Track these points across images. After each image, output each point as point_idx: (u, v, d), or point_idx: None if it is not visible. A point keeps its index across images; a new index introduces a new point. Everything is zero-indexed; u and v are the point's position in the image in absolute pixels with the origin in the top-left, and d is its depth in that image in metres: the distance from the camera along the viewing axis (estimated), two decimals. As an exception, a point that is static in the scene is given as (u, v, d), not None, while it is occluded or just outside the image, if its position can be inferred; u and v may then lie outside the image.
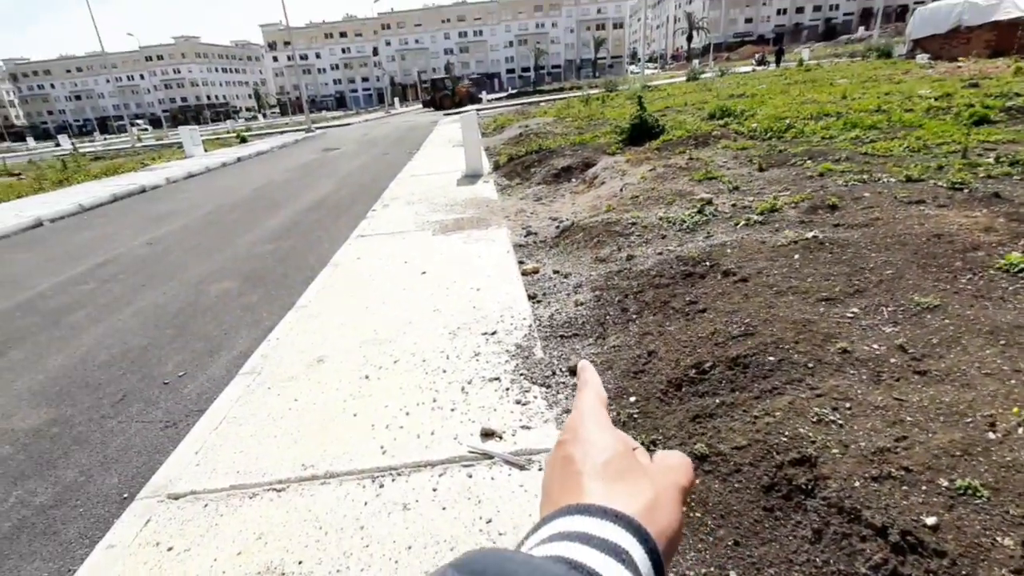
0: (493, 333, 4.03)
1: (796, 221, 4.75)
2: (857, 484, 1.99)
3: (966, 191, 4.75)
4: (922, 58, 21.56)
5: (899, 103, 10.16)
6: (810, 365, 2.68)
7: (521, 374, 3.46)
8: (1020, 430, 1.93)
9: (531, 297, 4.67)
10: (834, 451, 2.15)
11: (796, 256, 3.88)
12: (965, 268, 3.22)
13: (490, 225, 6.95)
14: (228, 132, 41.49)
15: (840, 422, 2.28)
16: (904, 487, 1.91)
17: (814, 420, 2.34)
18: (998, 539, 1.64)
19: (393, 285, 5.18)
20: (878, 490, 1.94)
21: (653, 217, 5.76)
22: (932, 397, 2.25)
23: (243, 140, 30.54)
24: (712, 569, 2.01)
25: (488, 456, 2.73)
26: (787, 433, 2.32)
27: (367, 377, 3.60)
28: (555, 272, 5.20)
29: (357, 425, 3.09)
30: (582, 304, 4.40)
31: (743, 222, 4.98)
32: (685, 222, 5.38)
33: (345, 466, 2.75)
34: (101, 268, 7.41)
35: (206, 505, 2.58)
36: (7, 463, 3.33)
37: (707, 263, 4.20)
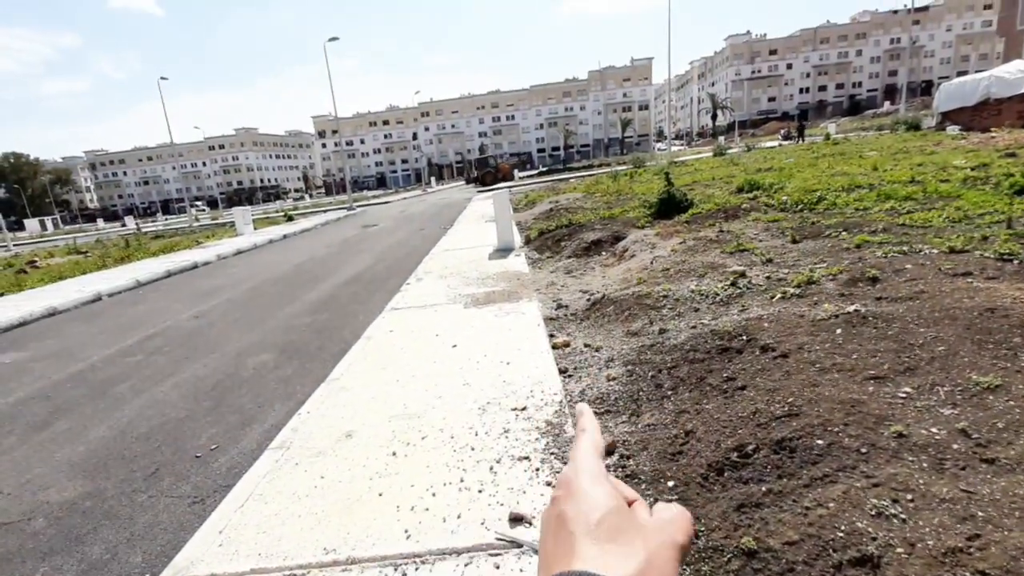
0: (523, 409, 3.94)
1: (835, 294, 4.61)
2: (929, 590, 1.78)
3: (1016, 262, 4.55)
4: (952, 129, 21.57)
5: (933, 174, 10.05)
6: (863, 450, 2.49)
7: (552, 453, 3.33)
8: (1115, 531, 1.71)
9: (562, 371, 4.59)
10: (898, 550, 1.94)
11: (838, 331, 3.73)
12: (1022, 345, 3.02)
13: (521, 298, 7.00)
14: (277, 211, 44.23)
15: (902, 516, 2.08)
16: (985, 596, 1.69)
17: (873, 513, 2.14)
18: (1107, 666, 1.41)
19: (424, 358, 5.20)
20: (954, 599, 1.72)
21: (685, 290, 5.70)
22: (1004, 489, 2.04)
23: (290, 218, 32.42)
24: None
25: (517, 544, 2.58)
26: (843, 528, 2.12)
27: (394, 454, 3.53)
28: (586, 346, 5.14)
29: (382, 506, 2.99)
30: (614, 379, 4.29)
31: (779, 295, 4.87)
32: (719, 295, 5.30)
33: (368, 551, 2.64)
34: (149, 340, 7.74)
35: (225, 590, 2.50)
36: (38, 537, 3.34)
37: (743, 337, 4.07)
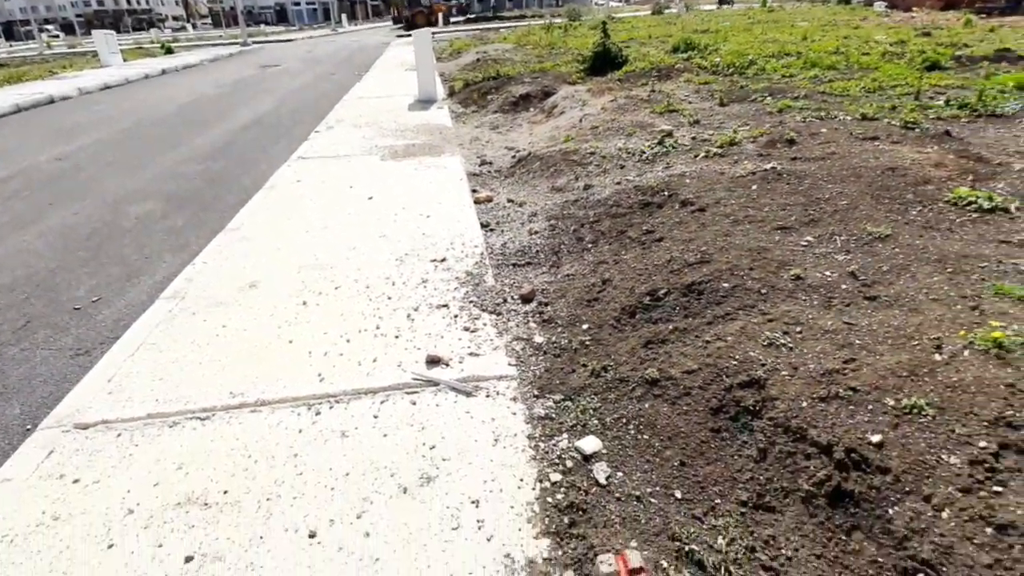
0: (443, 260, 3.82)
1: (755, 154, 4.67)
2: (804, 404, 1.99)
3: (918, 130, 4.78)
4: (879, 6, 21.56)
5: (857, 47, 10.12)
6: (763, 291, 2.64)
7: (471, 301, 3.30)
8: (965, 352, 1.95)
9: (484, 225, 4.45)
10: (783, 373, 2.13)
11: (754, 187, 3.81)
12: (916, 200, 3.23)
13: (443, 152, 6.55)
14: (152, 42, 37.28)
15: (790, 345, 2.26)
16: (851, 407, 1.91)
17: (765, 344, 2.31)
18: (943, 457, 1.66)
19: (336, 210, 4.82)
20: (824, 410, 1.94)
21: (612, 148, 5.55)
22: (881, 321, 2.25)
23: (169, 51, 27.54)
24: (657, 488, 2.00)
25: (433, 383, 2.59)
26: (737, 357, 2.29)
27: (305, 303, 3.35)
28: (509, 201, 4.98)
29: (293, 352, 2.87)
30: (536, 233, 4.23)
31: (703, 154, 4.86)
32: (645, 153, 5.22)
33: (278, 393, 2.55)
34: (1, 184, 6.57)
35: (119, 435, 2.35)
36: None
37: (665, 193, 4.08)
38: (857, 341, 2.17)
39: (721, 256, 2.98)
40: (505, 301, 3.34)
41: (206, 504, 1.98)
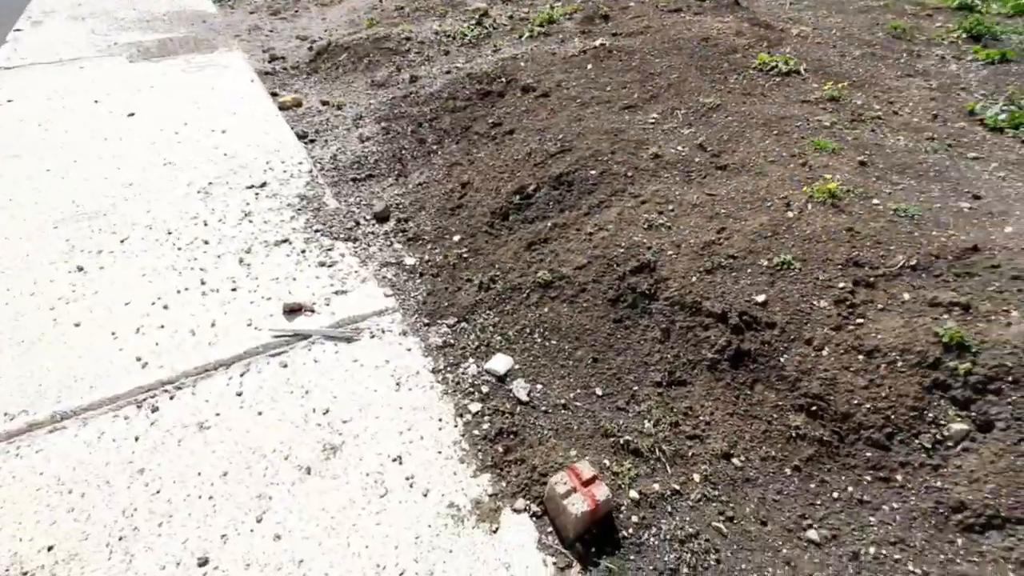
0: (263, 185, 3.12)
1: (577, 32, 4.54)
2: (694, 279, 2.08)
3: (711, 1, 5.09)
4: None
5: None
6: (629, 174, 2.64)
7: (316, 230, 2.78)
8: (809, 206, 2.19)
9: (301, 136, 3.72)
10: (668, 253, 2.19)
11: (589, 66, 3.72)
12: (731, 69, 3.47)
13: (216, 48, 5.20)
14: None
15: (667, 225, 2.32)
16: (733, 273, 2.04)
17: (645, 227, 2.34)
18: (814, 303, 1.88)
19: (85, 136, 3.57)
20: (712, 281, 2.05)
21: (428, 31, 4.95)
22: (736, 188, 2.41)
23: None
24: (579, 391, 1.98)
25: (303, 336, 2.17)
26: (622, 244, 2.29)
27: (82, 269, 2.49)
28: (324, 104, 4.21)
29: (86, 337, 2.14)
30: (369, 139, 3.67)
31: (527, 34, 4.59)
32: (467, 36, 4.75)
33: (84, 398, 1.90)
34: None
35: None
36: None
37: (503, 79, 3.78)
38: (722, 211, 2.31)
39: (580, 143, 2.89)
40: (357, 224, 2.88)
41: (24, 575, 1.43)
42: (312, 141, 3.72)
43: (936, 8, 4.61)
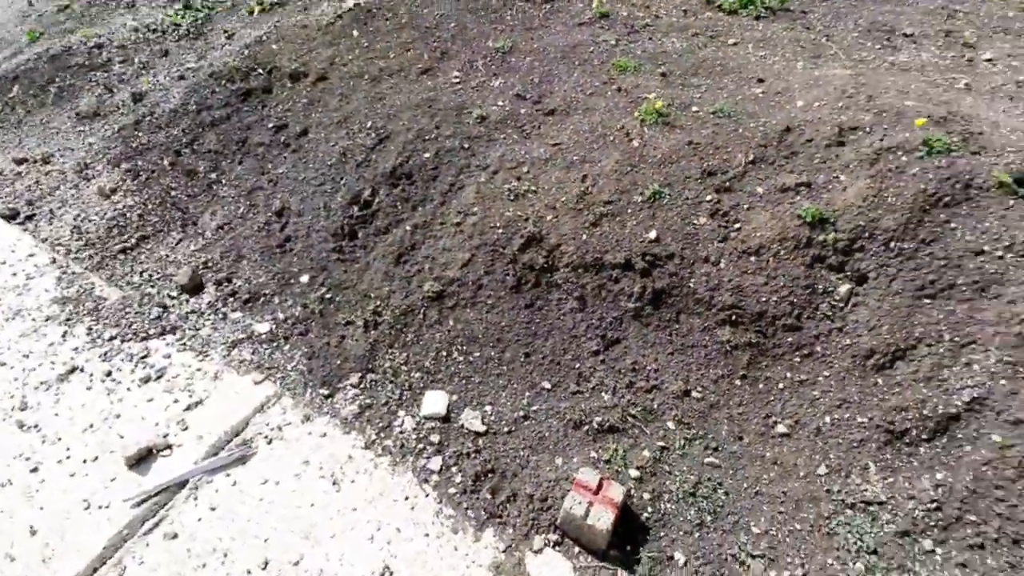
0: (-13, 307, 2.20)
1: (316, -7, 3.95)
2: (584, 236, 2.04)
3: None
4: None
5: None
6: (465, 145, 2.44)
7: (110, 337, 2.08)
8: (646, 130, 2.26)
9: (10, 217, 2.69)
10: (548, 218, 2.11)
11: (355, 32, 3.26)
12: (501, 5, 3.35)
13: None
14: None
15: (532, 189, 2.22)
16: (617, 218, 2.05)
17: (511, 198, 2.20)
18: (694, 221, 1.98)
19: None
20: (602, 232, 2.04)
21: (123, 31, 3.85)
22: (574, 130, 2.39)
23: None
24: (528, 393, 1.86)
25: (179, 484, 1.63)
26: (498, 223, 2.14)
27: None
28: (20, 162, 3.06)
29: None
30: (115, 191, 2.80)
31: (255, 7, 3.84)
32: (180, 25, 3.80)
33: None
34: None
35: None
36: None
37: (260, 71, 3.13)
38: (574, 157, 2.27)
39: (396, 125, 2.56)
40: (165, 308, 2.22)
41: None
42: (31, 218, 2.71)
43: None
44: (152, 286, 2.34)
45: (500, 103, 2.62)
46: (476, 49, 2.98)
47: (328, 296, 2.20)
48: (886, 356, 1.67)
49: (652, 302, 1.92)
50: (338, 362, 2.00)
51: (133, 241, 2.58)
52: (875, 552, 1.45)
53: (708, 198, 2.02)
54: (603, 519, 1.44)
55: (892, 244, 1.77)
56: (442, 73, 2.85)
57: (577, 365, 1.90)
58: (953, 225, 1.74)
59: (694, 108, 2.35)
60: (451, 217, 2.23)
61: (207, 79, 3.17)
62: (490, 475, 1.67)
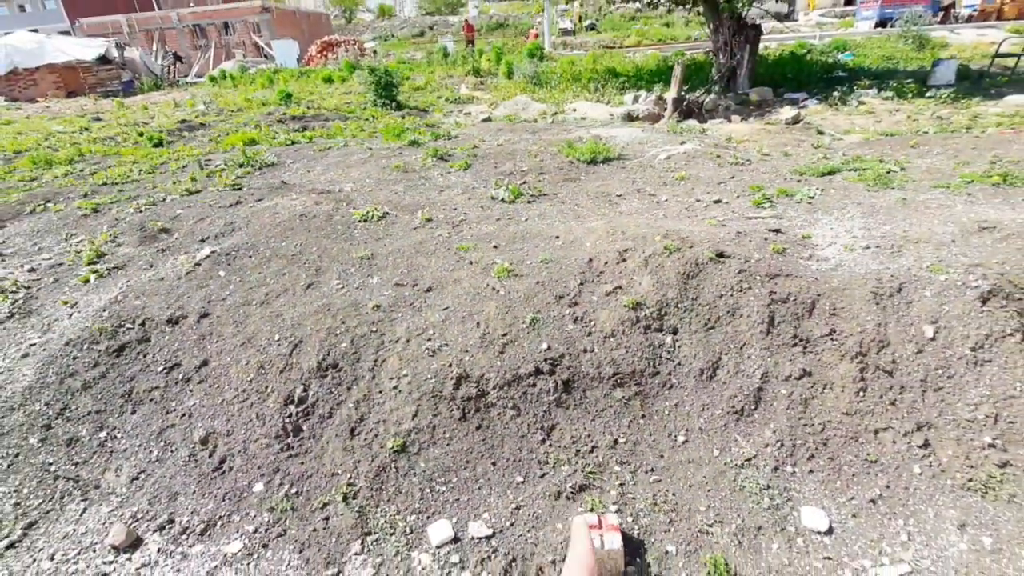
0: None
1: (141, 253, 4.21)
2: (499, 364, 2.67)
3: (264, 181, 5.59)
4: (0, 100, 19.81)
5: (48, 141, 9.52)
6: (374, 329, 2.95)
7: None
8: (504, 282, 3.12)
9: None
10: (465, 359, 2.70)
11: (221, 274, 3.62)
12: (340, 225, 4.13)
13: None
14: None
15: (444, 343, 2.81)
16: (516, 343, 2.75)
17: (430, 354, 2.75)
18: (566, 328, 2.80)
19: None
20: (509, 356, 2.70)
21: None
22: (454, 295, 3.12)
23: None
24: (505, 498, 2.26)
25: None
26: (429, 375, 2.64)
27: None
28: None
29: None
30: (-31, 491, 2.44)
31: (89, 276, 3.90)
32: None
33: None
34: None
35: None
36: None
37: (130, 326, 3.21)
38: (464, 314, 2.98)
39: (304, 330, 2.95)
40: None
41: None
42: None
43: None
44: (76, 563, 2.11)
45: (386, 292, 3.26)
46: (344, 261, 3.64)
47: (294, 491, 2.32)
48: (709, 370, 2.61)
49: (564, 390, 2.60)
50: (333, 540, 2.12)
51: (18, 533, 2.28)
52: (761, 485, 2.20)
53: (567, 312, 2.90)
54: (614, 541, 1.90)
55: (679, 305, 2.84)
56: (324, 284, 3.40)
57: (534, 455, 2.40)
58: (701, 285, 2.91)
59: (527, 262, 3.34)
60: (387, 384, 2.66)
61: (64, 347, 3.11)
62: (514, 562, 1.98)
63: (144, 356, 3.04)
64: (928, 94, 8.79)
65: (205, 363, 2.93)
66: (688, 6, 10.73)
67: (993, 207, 3.66)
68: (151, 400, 2.81)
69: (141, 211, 5.15)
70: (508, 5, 43.10)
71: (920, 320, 2.59)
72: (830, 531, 2.07)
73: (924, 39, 13.77)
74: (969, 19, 21.31)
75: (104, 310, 3.36)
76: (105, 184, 6.36)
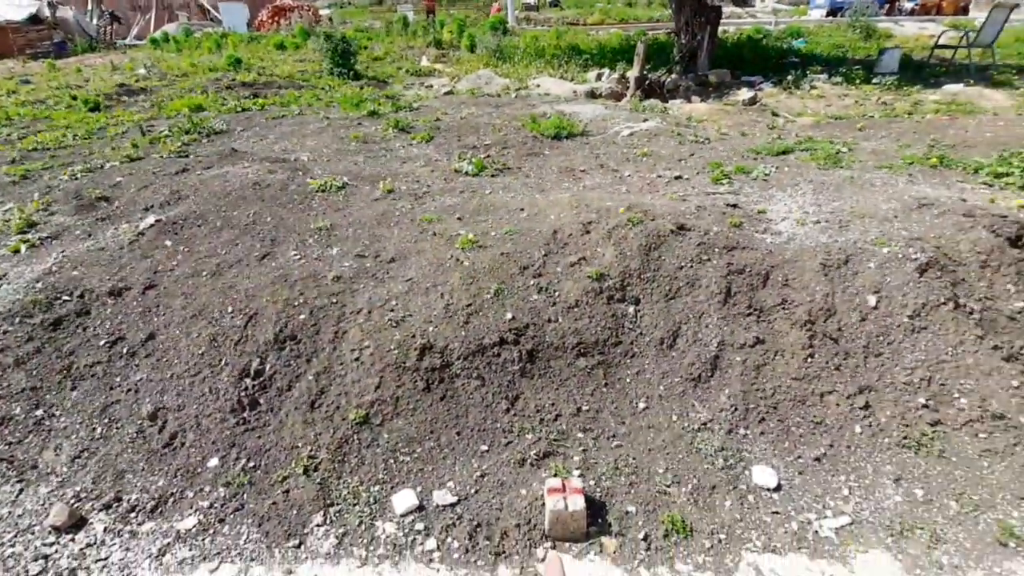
0: None
1: (79, 221, 3.94)
2: (463, 334, 2.65)
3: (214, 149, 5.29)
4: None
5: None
6: (334, 301, 2.87)
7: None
8: (469, 254, 3.08)
9: None
10: (430, 330, 2.67)
11: (168, 243, 3.43)
12: (297, 194, 3.98)
13: None
14: None
15: (407, 314, 2.76)
16: (480, 314, 2.74)
17: (393, 325, 2.70)
18: (530, 298, 2.80)
19: None
20: (474, 327, 2.68)
21: None
22: (418, 266, 3.07)
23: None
24: (469, 466, 2.27)
25: None
26: (392, 346, 2.60)
27: None
28: None
29: None
30: None
31: (20, 245, 3.62)
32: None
33: None
34: None
35: None
36: None
37: (67, 298, 3.01)
38: (428, 285, 2.93)
39: (260, 302, 2.84)
40: (47, 557, 1.94)
41: None
42: None
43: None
44: (12, 546, 1.99)
45: (346, 263, 3.17)
46: (301, 232, 3.51)
47: (251, 465, 2.26)
48: (669, 338, 2.68)
49: (529, 360, 2.61)
50: (294, 512, 2.08)
51: (-54, 516, 2.13)
52: (716, 447, 2.29)
53: (531, 283, 2.90)
54: (577, 503, 1.94)
55: (641, 276, 2.89)
56: (280, 255, 3.27)
57: (498, 424, 2.41)
58: (663, 257, 2.96)
59: (492, 234, 3.31)
60: (348, 356, 2.60)
61: (-11, 321, 2.88)
62: (479, 528, 2.00)
63: (84, 330, 2.87)
64: (874, 81, 9.13)
65: (152, 336, 2.79)
66: (651, -15, 10.67)
67: (931, 186, 3.87)
68: (93, 376, 2.66)
69: (77, 178, 4.81)
70: (470, -23, 41.91)
71: (864, 290, 2.73)
72: (778, 488, 2.18)
73: (871, 29, 14.28)
74: (912, 12, 22.24)
75: (38, 281, 3.13)
76: (36, 149, 5.91)
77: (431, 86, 10.27)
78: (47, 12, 20.95)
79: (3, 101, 8.86)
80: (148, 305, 2.96)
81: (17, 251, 3.59)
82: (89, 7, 23.61)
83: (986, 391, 2.43)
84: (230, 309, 2.83)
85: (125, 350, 2.75)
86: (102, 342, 2.79)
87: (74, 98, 8.68)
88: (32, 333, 2.84)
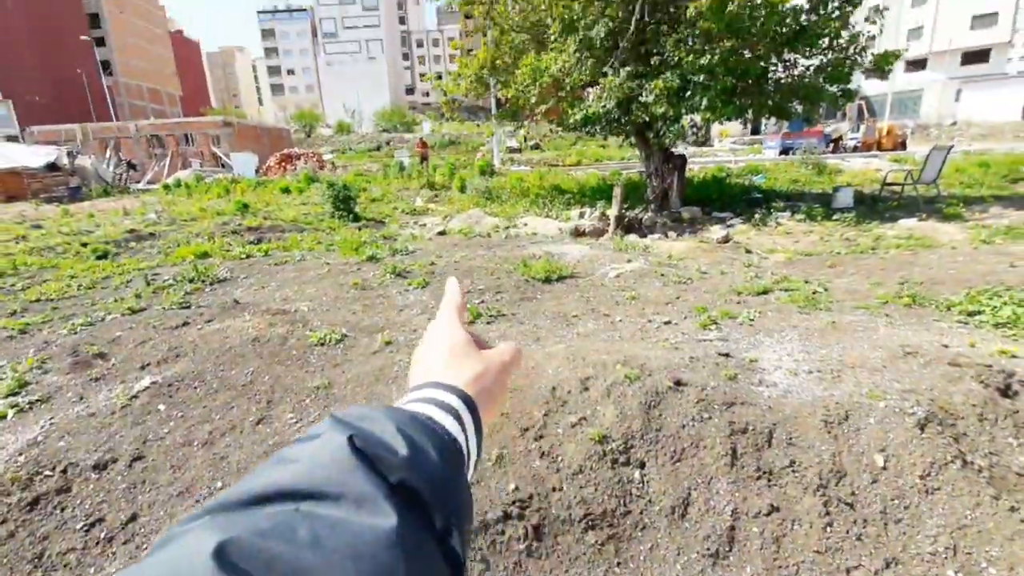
0: None
1: (72, 384, 3.90)
2: (464, 507, 2.54)
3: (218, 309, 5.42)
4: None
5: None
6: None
7: None
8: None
9: None
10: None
11: (161, 407, 3.37)
12: (296, 348, 4.01)
13: None
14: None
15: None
16: (480, 483, 2.65)
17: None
18: (532, 465, 2.73)
19: None
20: (477, 499, 2.58)
21: None
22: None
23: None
24: None
25: None
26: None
27: None
28: None
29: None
30: None
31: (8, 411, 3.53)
32: None
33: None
34: None
35: None
36: None
37: (48, 473, 2.87)
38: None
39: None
40: None
41: None
42: None
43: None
44: None
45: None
46: (298, 392, 3.49)
47: None
48: (680, 507, 2.59)
49: (535, 537, 2.48)
50: None
51: None
52: None
53: (533, 447, 2.85)
54: None
55: (644, 436, 2.86)
56: (276, 419, 3.22)
57: None
58: (663, 415, 2.97)
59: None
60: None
61: (-32, 500, 2.72)
62: None
63: (62, 510, 2.70)
64: (834, 217, 9.92)
65: (134, 518, 2.63)
66: (623, 138, 11.97)
67: (911, 329, 4.03)
68: (65, 566, 2.45)
69: (76, 332, 4.85)
70: (459, 125, 46.64)
71: (870, 448, 2.71)
72: None
73: (821, 165, 15.85)
74: (855, 149, 24.90)
75: (20, 454, 3.02)
76: (38, 301, 6.03)
77: (425, 225, 10.91)
78: (65, 160, 22.55)
79: (11, 248, 9.20)
80: (133, 480, 2.83)
81: (4, 417, 3.50)
82: (108, 155, 25.53)
83: (1013, 558, 2.32)
84: (219, 485, 2.71)
85: (103, 534, 2.57)
86: (79, 525, 2.62)
87: (84, 245, 9.05)
88: (7, 515, 2.66)
